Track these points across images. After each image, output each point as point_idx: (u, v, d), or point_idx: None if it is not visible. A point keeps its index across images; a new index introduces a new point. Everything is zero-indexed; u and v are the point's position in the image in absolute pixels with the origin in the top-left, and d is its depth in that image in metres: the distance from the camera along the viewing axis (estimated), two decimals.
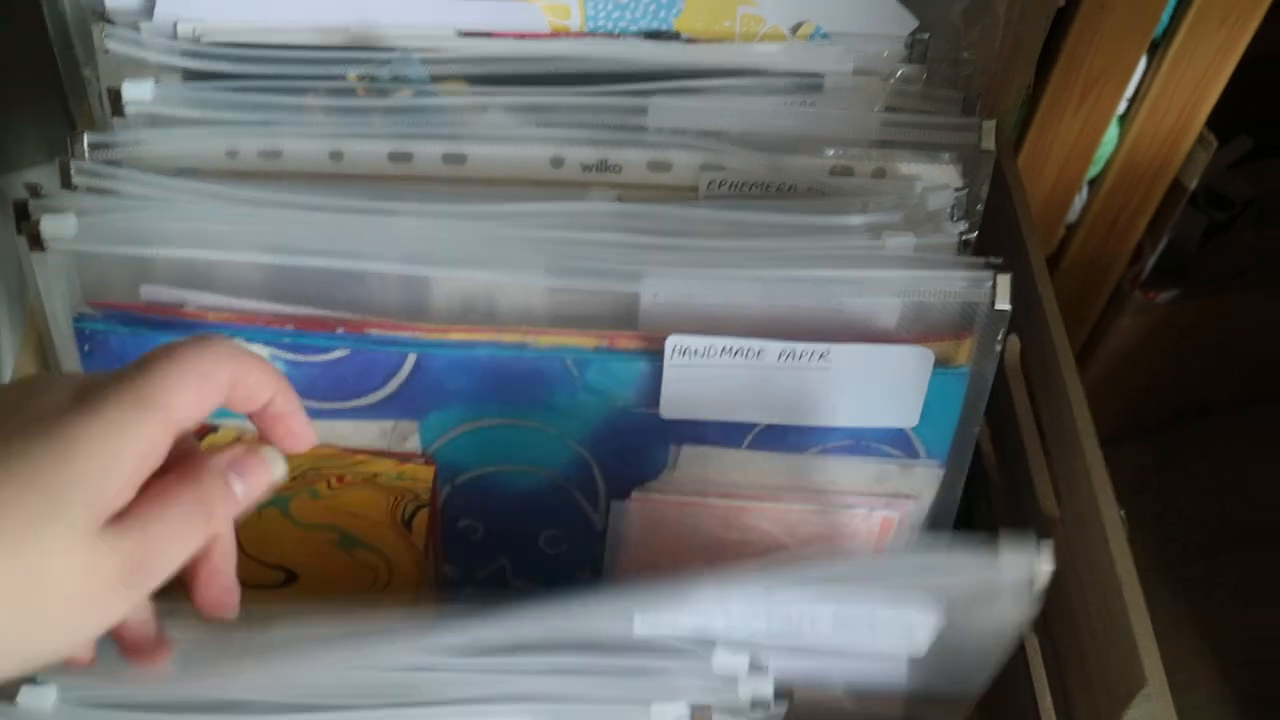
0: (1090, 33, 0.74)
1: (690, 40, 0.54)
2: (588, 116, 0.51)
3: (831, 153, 0.51)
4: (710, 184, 0.51)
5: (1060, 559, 0.57)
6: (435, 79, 0.52)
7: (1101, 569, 0.53)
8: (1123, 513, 0.54)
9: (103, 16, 0.54)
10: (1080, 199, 0.88)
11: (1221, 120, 0.85)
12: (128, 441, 0.33)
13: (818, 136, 0.52)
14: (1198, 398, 1.10)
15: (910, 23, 0.55)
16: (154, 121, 0.52)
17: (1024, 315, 0.60)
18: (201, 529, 0.36)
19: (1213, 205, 0.99)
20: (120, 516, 0.34)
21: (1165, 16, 0.76)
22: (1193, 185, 0.89)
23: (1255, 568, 1.07)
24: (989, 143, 0.53)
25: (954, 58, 0.56)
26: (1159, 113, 0.82)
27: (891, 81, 0.54)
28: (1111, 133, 0.83)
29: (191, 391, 0.35)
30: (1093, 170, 0.85)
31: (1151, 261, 0.94)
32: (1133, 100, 0.81)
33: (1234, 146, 0.98)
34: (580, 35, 0.54)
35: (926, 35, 0.54)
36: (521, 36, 0.53)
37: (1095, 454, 0.55)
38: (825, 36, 0.55)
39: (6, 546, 0.32)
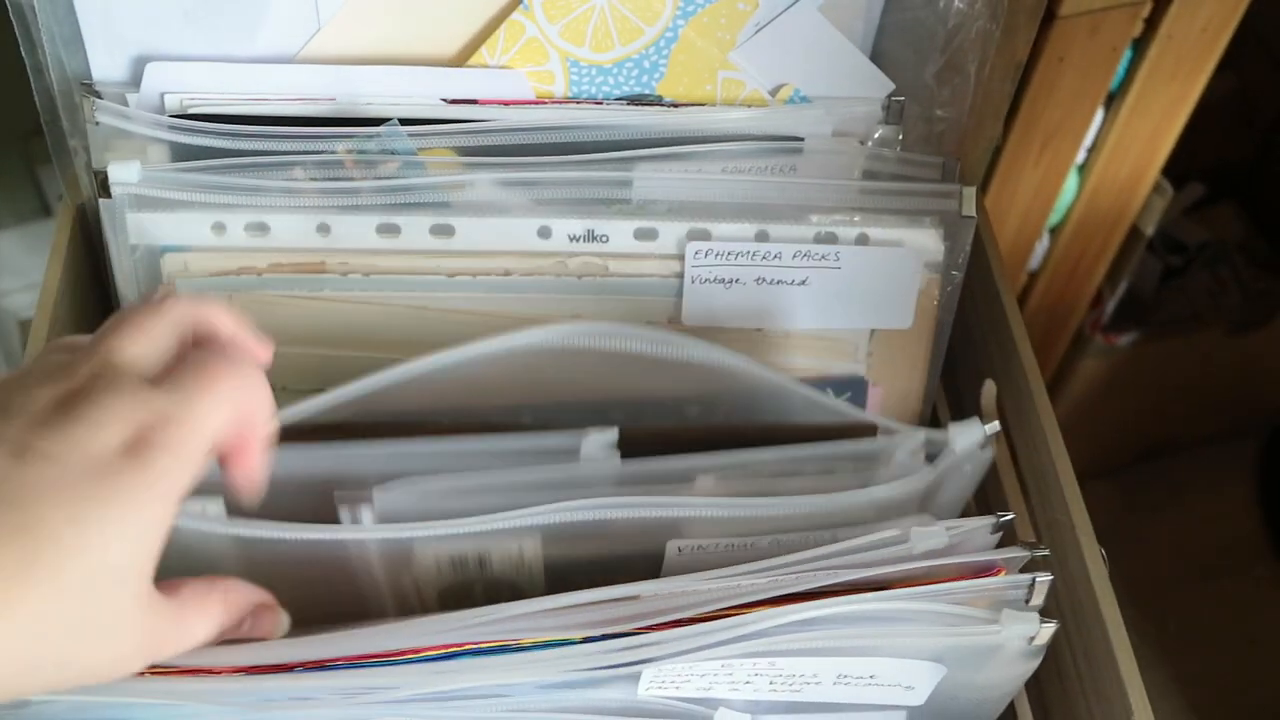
0: (1048, 87, 0.76)
1: (673, 105, 0.56)
2: (573, 189, 0.52)
3: (815, 219, 0.53)
4: (696, 254, 0.52)
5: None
6: (423, 151, 0.53)
7: (1085, 608, 0.54)
8: (1103, 551, 0.55)
9: (90, 88, 0.54)
10: (1042, 246, 0.90)
11: (1175, 167, 0.88)
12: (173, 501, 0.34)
13: (801, 204, 0.53)
14: (1161, 437, 1.12)
15: (886, 85, 0.56)
16: (140, 204, 0.52)
17: (999, 359, 0.62)
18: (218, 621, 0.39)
19: (1169, 250, 1.01)
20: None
21: (1121, 70, 0.79)
22: (1150, 231, 0.92)
23: (1223, 604, 1.08)
24: (969, 208, 0.54)
25: (928, 116, 0.58)
26: (1116, 163, 0.85)
27: (869, 143, 0.56)
28: (1071, 182, 0.85)
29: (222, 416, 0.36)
30: (1053, 218, 0.88)
31: (1112, 306, 0.97)
32: (1091, 151, 0.84)
33: (1187, 192, 1.01)
34: (564, 102, 0.55)
35: (902, 98, 0.56)
36: (507, 104, 0.54)
37: (1075, 493, 0.56)
38: (804, 99, 0.56)
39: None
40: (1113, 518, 1.12)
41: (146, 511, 0.34)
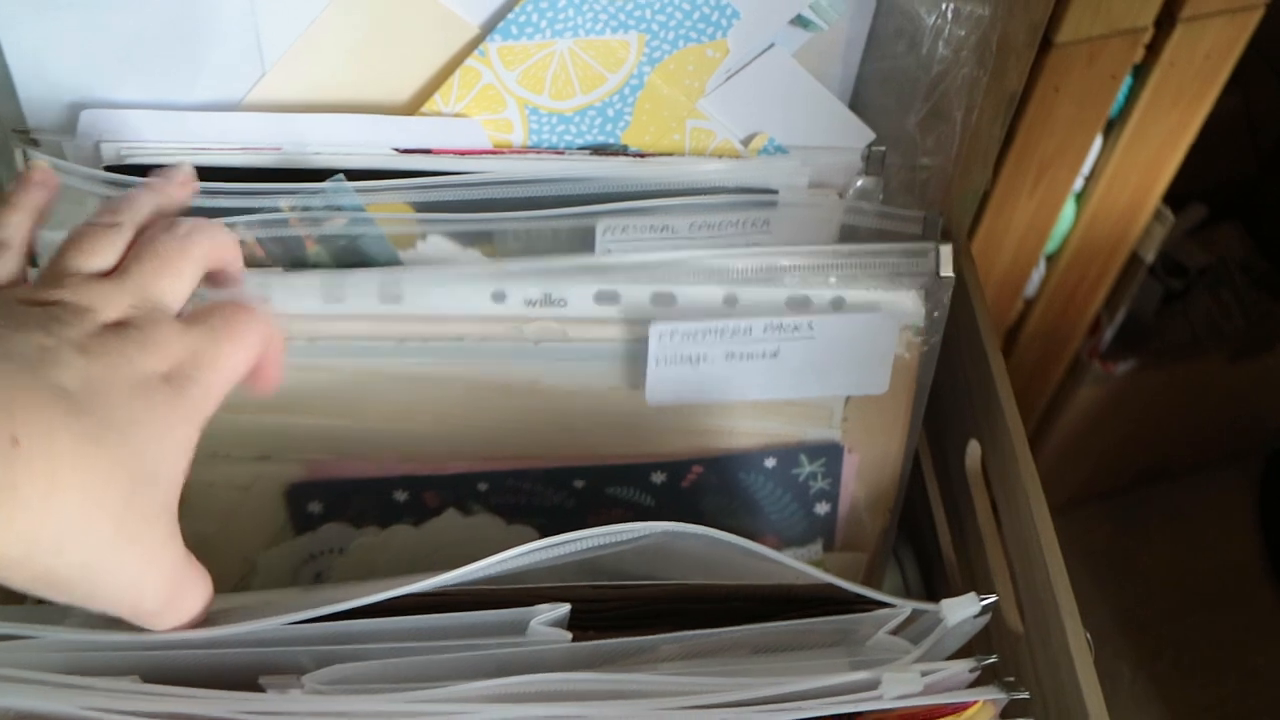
0: (1044, 117, 0.73)
1: (638, 155, 0.53)
2: (530, 243, 0.49)
3: (788, 282, 0.50)
4: (661, 337, 0.49)
5: (1024, 676, 0.56)
6: (372, 206, 0.49)
7: (1067, 693, 0.52)
8: (1089, 635, 0.52)
9: (25, 135, 0.51)
10: (1038, 274, 0.87)
11: (1177, 187, 0.85)
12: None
13: (772, 268, 0.50)
14: (1157, 463, 1.10)
15: (866, 135, 0.53)
16: None
17: (984, 419, 0.59)
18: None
19: (1169, 273, 0.98)
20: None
21: (1120, 98, 0.75)
22: (1150, 258, 0.89)
23: (1217, 633, 1.06)
24: (947, 269, 0.51)
25: (911, 164, 0.55)
26: (1115, 191, 0.81)
27: (848, 195, 0.53)
28: (1068, 210, 0.82)
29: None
30: (1050, 246, 0.84)
31: (1110, 333, 0.94)
32: (1089, 179, 0.81)
33: (1189, 214, 0.98)
34: (523, 152, 0.52)
35: (883, 148, 0.53)
36: (462, 154, 0.51)
37: (1060, 571, 0.53)
38: (780, 149, 0.53)
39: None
40: (1109, 543, 1.09)
41: (178, 430, 0.38)
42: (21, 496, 0.33)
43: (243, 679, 0.39)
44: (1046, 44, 0.68)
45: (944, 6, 0.50)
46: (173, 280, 0.42)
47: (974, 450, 0.60)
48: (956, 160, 0.55)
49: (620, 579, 0.44)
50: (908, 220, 0.53)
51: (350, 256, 0.51)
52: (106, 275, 0.41)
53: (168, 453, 0.38)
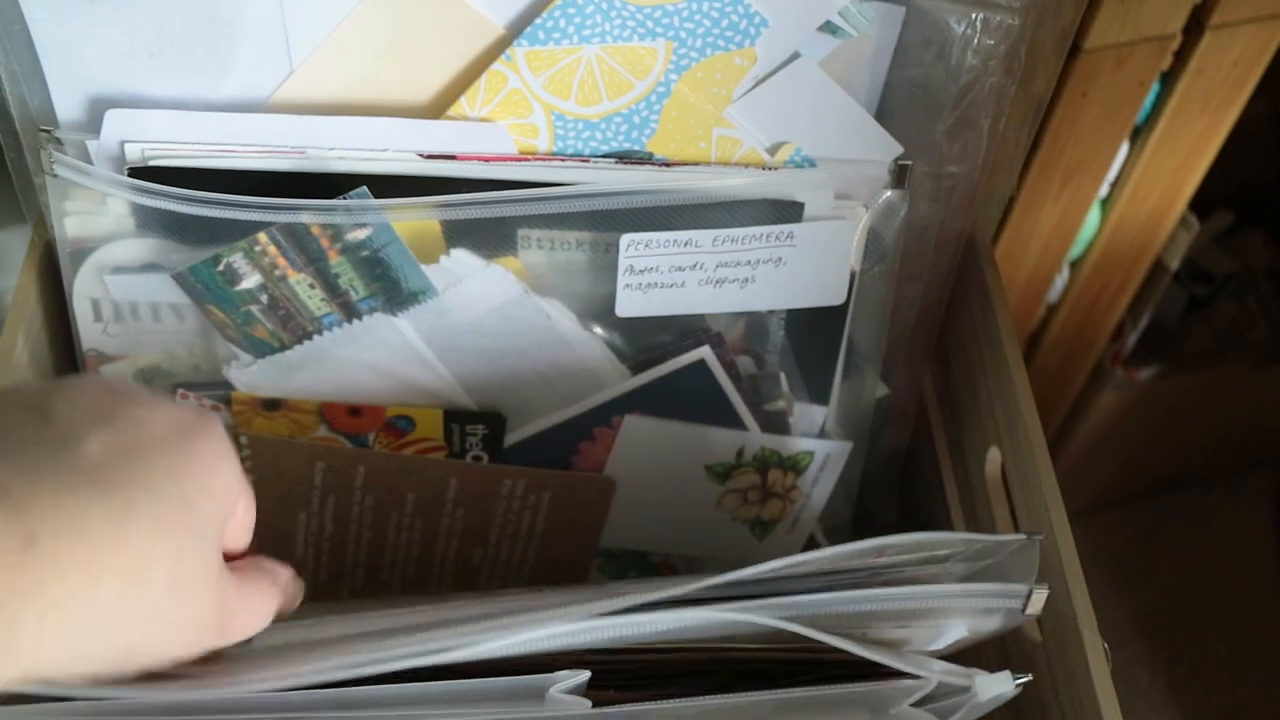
0: (1071, 122, 0.73)
1: (665, 164, 0.53)
2: (554, 256, 0.49)
3: None
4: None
5: (1042, 685, 0.56)
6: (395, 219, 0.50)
7: (1084, 703, 0.51)
8: (1106, 646, 0.52)
9: (50, 135, 0.51)
10: (1061, 279, 0.87)
11: (1203, 193, 0.84)
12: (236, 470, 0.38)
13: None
14: (1179, 470, 1.09)
15: (893, 148, 0.53)
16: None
17: (1004, 426, 0.59)
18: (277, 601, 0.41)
19: (1194, 279, 0.98)
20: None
21: (1147, 104, 0.75)
22: (1175, 265, 0.88)
23: (1235, 640, 1.06)
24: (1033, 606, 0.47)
25: (937, 173, 0.54)
26: (1141, 197, 0.81)
27: (874, 209, 0.53)
28: (1093, 216, 0.82)
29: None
30: (1074, 252, 0.84)
31: (1133, 340, 0.93)
32: (1114, 185, 0.80)
33: (1215, 220, 0.97)
34: (548, 159, 0.52)
35: (909, 162, 0.53)
36: (487, 160, 0.51)
37: (1079, 581, 0.53)
38: (806, 159, 0.53)
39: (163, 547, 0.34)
40: (1128, 549, 1.09)
41: (223, 469, 0.37)
42: (57, 590, 0.31)
43: None
44: (1075, 50, 0.68)
45: (974, 16, 0.50)
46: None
47: (994, 457, 0.60)
48: (983, 168, 0.55)
49: None
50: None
51: (373, 267, 0.52)
52: None
53: (214, 497, 0.37)
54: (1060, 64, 0.60)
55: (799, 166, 0.53)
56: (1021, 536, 0.47)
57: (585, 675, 0.41)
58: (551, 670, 0.41)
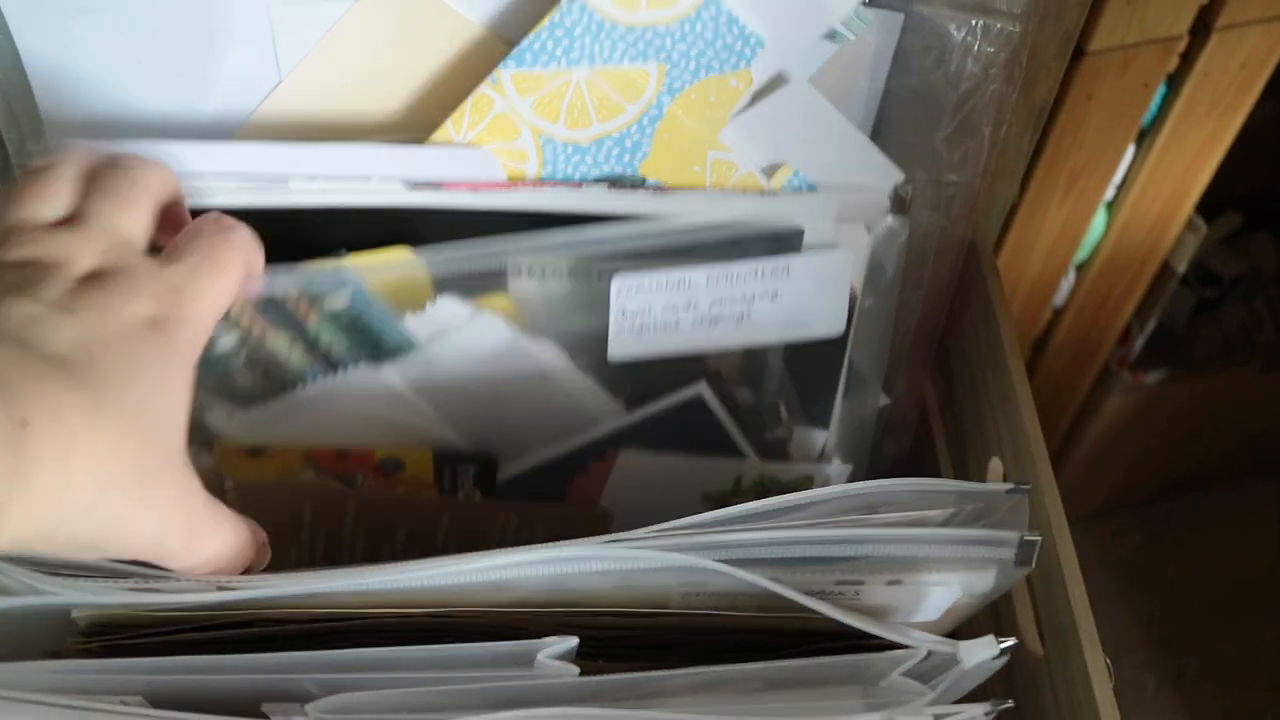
0: (1076, 125, 0.72)
1: (657, 189, 0.51)
2: (547, 295, 0.48)
3: None
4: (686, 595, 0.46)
5: (1043, 700, 0.55)
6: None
7: (1086, 718, 0.51)
8: (1108, 661, 0.51)
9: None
10: (1067, 283, 0.86)
11: (1210, 196, 0.83)
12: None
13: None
14: (1186, 474, 1.08)
15: (895, 175, 0.52)
16: None
17: (1006, 435, 0.58)
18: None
19: (1202, 282, 0.97)
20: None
21: (1153, 107, 0.74)
22: (1182, 269, 0.87)
23: (1243, 645, 1.05)
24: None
25: (937, 181, 0.54)
26: (1147, 200, 0.80)
27: (875, 235, 0.52)
28: (1099, 219, 0.81)
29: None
30: (1080, 256, 0.83)
31: (1140, 343, 0.92)
32: (1120, 188, 0.79)
33: (1223, 223, 0.96)
34: (539, 185, 0.50)
35: (910, 186, 0.52)
36: (476, 188, 0.50)
37: (1080, 594, 0.52)
38: (806, 183, 0.51)
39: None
40: (1135, 554, 1.08)
41: (175, 377, 0.38)
42: (39, 477, 0.32)
43: (246, 705, 0.39)
44: (1079, 52, 0.67)
45: (974, 23, 0.49)
46: (135, 216, 0.40)
47: (996, 467, 0.59)
48: (984, 175, 0.55)
49: None
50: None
51: (354, 331, 0.50)
52: (65, 224, 0.39)
53: (170, 401, 0.37)
54: (1064, 67, 0.59)
55: (797, 190, 0.52)
56: (1010, 485, 0.46)
57: (573, 641, 0.41)
58: (540, 637, 0.41)
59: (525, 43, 0.48)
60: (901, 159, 0.53)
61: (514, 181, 0.50)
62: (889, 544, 0.42)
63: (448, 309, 0.50)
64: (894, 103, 0.53)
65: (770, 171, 0.51)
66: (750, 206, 0.51)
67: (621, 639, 0.43)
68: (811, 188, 0.52)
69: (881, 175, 0.52)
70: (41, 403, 0.33)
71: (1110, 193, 0.79)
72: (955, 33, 0.49)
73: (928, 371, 0.65)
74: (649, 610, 0.43)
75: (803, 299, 0.51)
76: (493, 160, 0.50)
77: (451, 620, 0.41)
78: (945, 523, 0.45)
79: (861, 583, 0.44)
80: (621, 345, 0.52)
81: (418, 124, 0.51)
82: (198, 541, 0.39)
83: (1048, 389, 0.93)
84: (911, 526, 0.44)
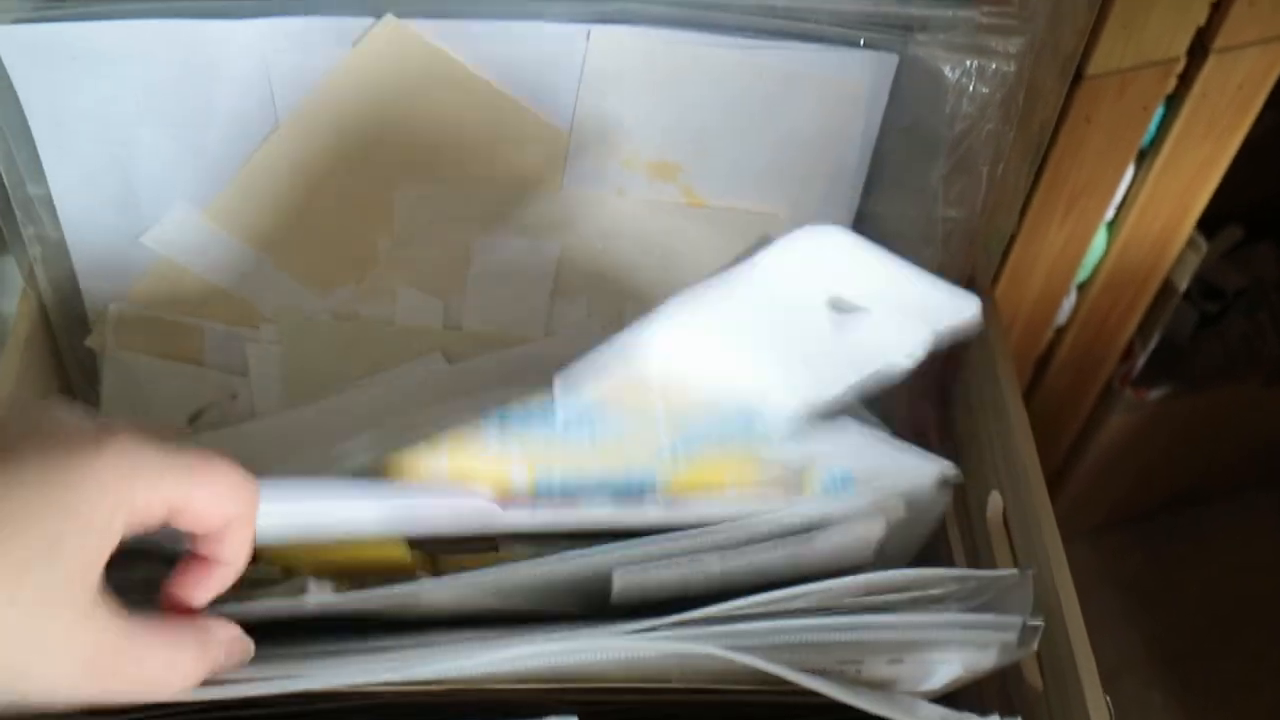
0: (1075, 148, 0.72)
1: (669, 502, 0.45)
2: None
3: None
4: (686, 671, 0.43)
5: None
6: None
7: None
8: (1109, 700, 0.51)
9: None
10: (1068, 302, 0.86)
11: (1211, 210, 0.83)
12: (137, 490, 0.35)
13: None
14: (1190, 489, 1.08)
15: (944, 467, 0.49)
16: None
17: (1005, 470, 0.58)
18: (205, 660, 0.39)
19: (1205, 296, 0.97)
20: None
21: (1152, 128, 0.74)
22: (1183, 286, 0.87)
23: (1249, 660, 1.05)
24: None
25: (933, 217, 0.53)
26: (1147, 220, 0.80)
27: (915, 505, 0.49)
28: (1099, 239, 0.81)
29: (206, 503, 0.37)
30: (1081, 275, 0.83)
31: (1142, 360, 0.92)
32: (1120, 208, 0.79)
33: (1225, 236, 0.96)
34: (533, 501, 0.44)
35: (960, 473, 0.49)
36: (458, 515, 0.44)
37: (1080, 630, 0.52)
38: (845, 477, 0.47)
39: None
40: (1140, 570, 1.08)
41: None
42: None
43: None
44: (1077, 77, 0.67)
45: (969, 64, 0.49)
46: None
47: (995, 501, 0.59)
48: (983, 212, 0.54)
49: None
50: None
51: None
52: None
53: (88, 522, 0.35)
54: (1063, 94, 0.59)
55: (830, 490, 0.47)
56: (1014, 571, 0.46)
57: (573, 719, 0.41)
58: (539, 713, 0.40)
59: (517, 408, 0.44)
60: (898, 196, 0.53)
61: (504, 499, 0.44)
62: (891, 630, 0.42)
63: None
64: (890, 142, 0.53)
65: (800, 472, 0.47)
66: (782, 517, 0.45)
67: (622, 714, 0.43)
68: (849, 479, 0.47)
69: (924, 473, 0.49)
70: None
71: (1110, 213, 0.79)
72: (950, 74, 0.49)
73: (928, 404, 0.65)
74: (650, 685, 0.43)
75: (826, 558, 0.46)
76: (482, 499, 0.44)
77: (450, 697, 0.41)
78: (947, 596, 0.45)
79: (862, 661, 0.44)
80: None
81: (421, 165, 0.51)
82: (129, 674, 0.37)
83: (1050, 407, 0.93)
84: (914, 607, 0.44)
